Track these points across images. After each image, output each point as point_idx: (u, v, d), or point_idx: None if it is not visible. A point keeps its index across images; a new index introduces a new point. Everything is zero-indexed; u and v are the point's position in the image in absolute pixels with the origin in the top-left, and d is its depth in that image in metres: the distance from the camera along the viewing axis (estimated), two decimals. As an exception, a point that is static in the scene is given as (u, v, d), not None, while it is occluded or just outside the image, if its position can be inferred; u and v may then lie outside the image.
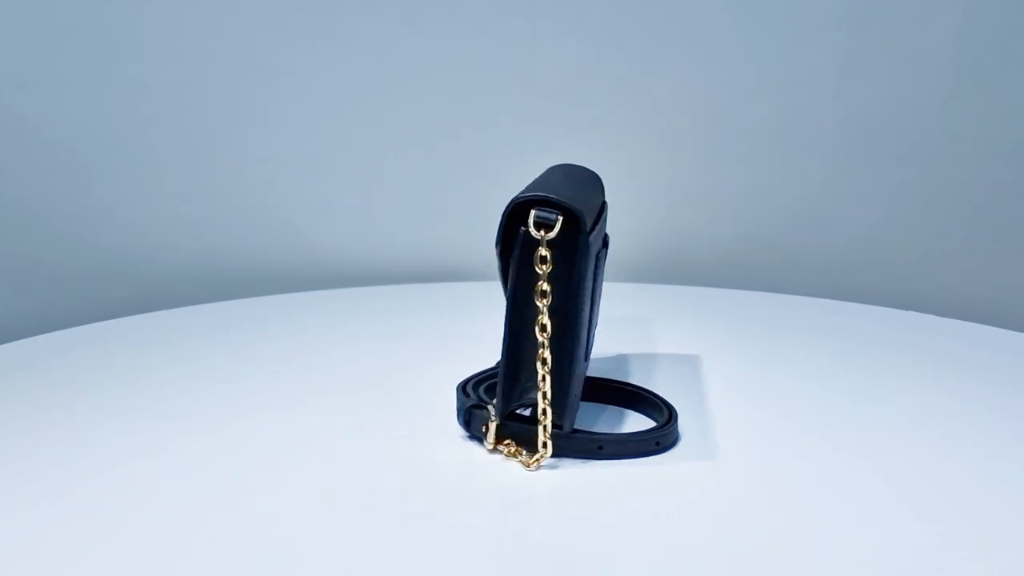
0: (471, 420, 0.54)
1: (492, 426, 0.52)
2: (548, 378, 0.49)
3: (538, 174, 0.60)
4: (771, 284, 1.07)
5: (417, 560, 0.41)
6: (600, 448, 0.52)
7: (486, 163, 1.06)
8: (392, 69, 1.04)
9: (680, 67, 1.05)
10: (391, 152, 1.07)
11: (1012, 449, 0.55)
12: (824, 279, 1.08)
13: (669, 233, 1.10)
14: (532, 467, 0.50)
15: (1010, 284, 1.08)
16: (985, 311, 1.01)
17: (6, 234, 1.02)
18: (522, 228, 0.49)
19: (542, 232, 0.48)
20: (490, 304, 0.72)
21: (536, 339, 0.49)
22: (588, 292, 0.50)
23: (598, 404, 0.61)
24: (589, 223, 0.50)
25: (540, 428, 0.50)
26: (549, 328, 0.49)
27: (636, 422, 0.58)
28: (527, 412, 0.54)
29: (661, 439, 0.53)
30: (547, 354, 0.49)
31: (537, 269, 0.48)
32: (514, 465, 0.51)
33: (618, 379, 0.63)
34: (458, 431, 0.56)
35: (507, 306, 0.50)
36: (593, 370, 0.64)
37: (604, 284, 0.61)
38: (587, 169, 0.64)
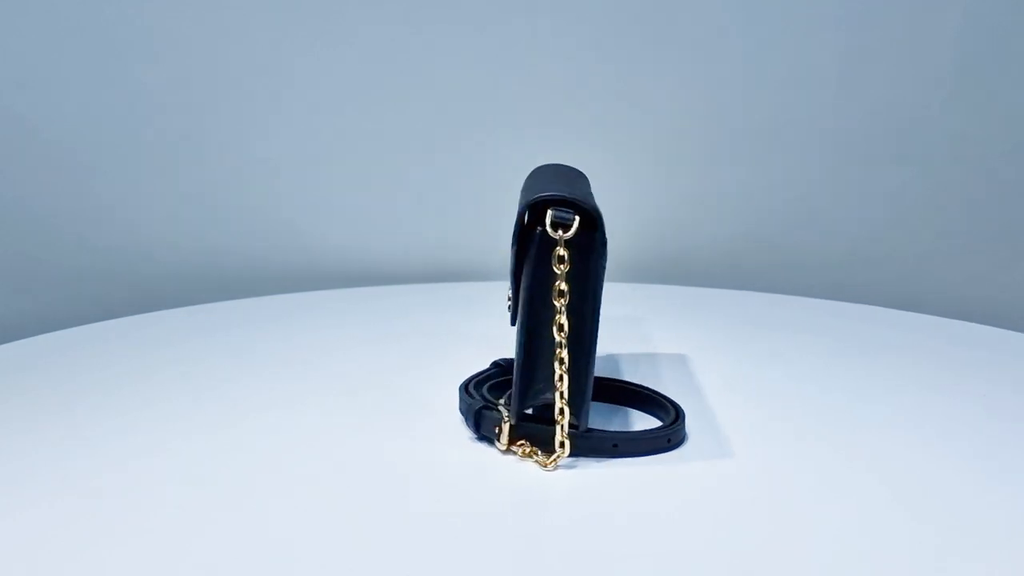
0: (481, 421, 0.54)
1: (506, 427, 0.52)
2: (566, 377, 0.49)
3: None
4: (770, 284, 1.07)
5: (447, 563, 0.41)
6: (615, 446, 0.52)
7: (486, 163, 1.07)
8: (392, 69, 1.04)
9: (680, 67, 1.05)
10: (391, 152, 1.07)
11: (1012, 450, 0.55)
12: (824, 279, 1.08)
13: (668, 233, 1.10)
14: (550, 467, 0.50)
15: (1010, 284, 1.08)
16: (985, 311, 1.01)
17: (6, 234, 1.02)
18: (538, 228, 0.49)
19: (560, 232, 0.48)
20: (490, 304, 0.72)
21: (552, 339, 0.49)
22: (602, 291, 0.51)
23: (600, 403, 0.61)
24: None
25: (558, 428, 0.50)
26: (567, 327, 0.49)
27: (641, 421, 0.59)
28: (529, 411, 0.54)
29: (672, 436, 0.54)
30: (565, 353, 0.49)
31: (555, 269, 0.48)
32: (529, 465, 0.51)
33: (619, 379, 0.63)
34: (463, 432, 0.56)
35: (522, 307, 0.50)
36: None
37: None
38: (574, 168, 0.64)
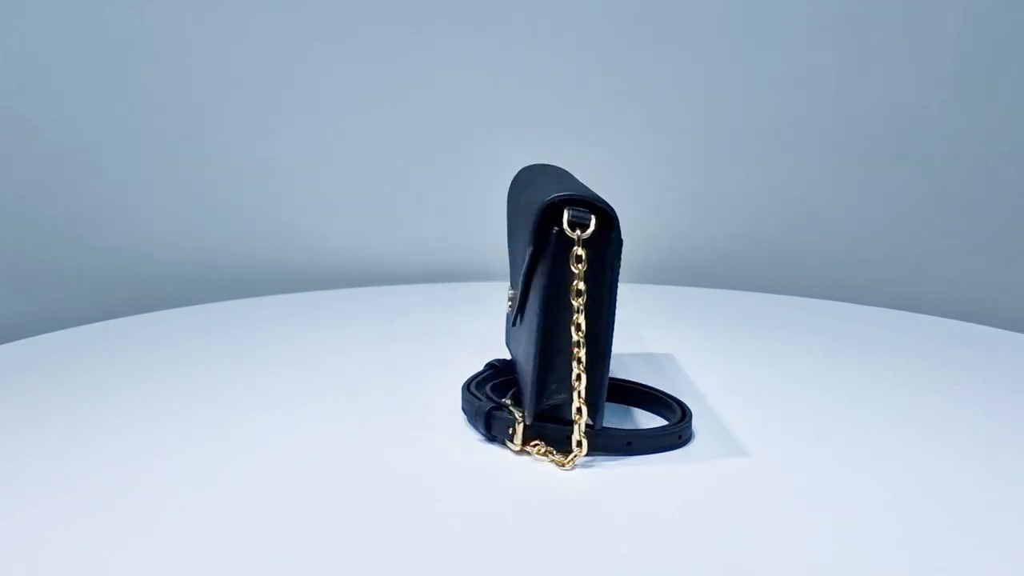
0: (491, 422, 0.53)
1: (520, 428, 0.52)
2: (584, 377, 0.49)
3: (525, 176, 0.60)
4: (770, 284, 1.07)
5: (481, 564, 0.41)
6: (629, 444, 0.52)
7: (486, 163, 1.06)
8: (392, 69, 1.04)
9: (680, 67, 1.05)
10: (391, 152, 1.07)
11: (1012, 450, 0.55)
12: (824, 279, 1.09)
13: (668, 233, 1.10)
14: (568, 466, 0.50)
15: (1010, 284, 1.08)
16: (985, 311, 1.01)
17: (6, 234, 1.02)
18: (555, 228, 0.49)
19: (577, 232, 0.48)
20: (490, 304, 0.72)
21: (567, 339, 0.49)
22: (617, 290, 0.51)
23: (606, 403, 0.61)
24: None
25: (575, 427, 0.50)
26: (584, 327, 0.49)
27: (646, 420, 0.59)
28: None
29: (682, 433, 0.54)
30: (582, 353, 0.49)
31: (573, 268, 0.49)
32: (545, 465, 0.51)
33: (624, 379, 0.63)
34: (467, 432, 0.56)
35: (538, 307, 0.50)
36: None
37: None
38: (558, 167, 0.65)
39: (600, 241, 0.49)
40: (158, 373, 0.70)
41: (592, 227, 0.48)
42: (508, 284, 0.67)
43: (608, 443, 0.52)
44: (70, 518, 0.45)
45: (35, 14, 0.97)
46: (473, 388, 0.59)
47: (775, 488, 0.49)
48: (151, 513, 0.45)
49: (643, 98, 1.06)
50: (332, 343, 0.79)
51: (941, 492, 0.48)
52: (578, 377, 0.49)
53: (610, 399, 0.61)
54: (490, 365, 0.63)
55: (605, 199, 0.50)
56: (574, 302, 0.49)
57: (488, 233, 0.89)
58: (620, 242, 0.49)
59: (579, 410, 0.50)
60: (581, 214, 0.48)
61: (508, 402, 0.54)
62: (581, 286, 0.49)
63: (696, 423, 0.57)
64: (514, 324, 0.58)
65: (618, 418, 0.59)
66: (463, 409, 0.58)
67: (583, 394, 0.50)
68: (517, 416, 0.52)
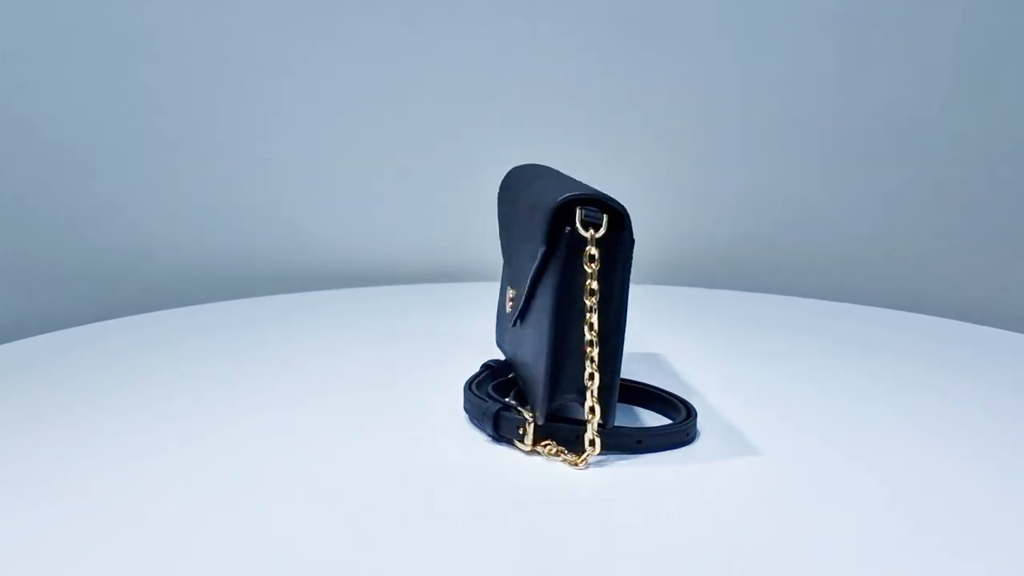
0: (500, 423, 0.53)
1: (530, 428, 0.52)
2: (597, 375, 0.49)
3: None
4: (770, 284, 1.07)
5: (509, 564, 0.41)
6: (639, 442, 0.53)
7: (486, 164, 1.06)
8: (392, 69, 1.04)
9: (680, 68, 1.05)
10: (391, 152, 1.07)
11: (1011, 450, 0.55)
12: (823, 279, 1.08)
13: (668, 233, 1.10)
14: (581, 465, 0.50)
15: (1010, 284, 1.08)
16: (985, 311, 1.01)
17: (6, 234, 1.02)
18: (567, 228, 0.49)
19: (591, 231, 0.48)
20: (489, 304, 0.72)
21: (579, 338, 0.50)
22: (629, 288, 0.51)
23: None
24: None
25: (589, 426, 0.50)
26: (597, 326, 0.49)
27: (650, 419, 0.59)
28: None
29: (689, 431, 0.55)
30: (596, 352, 0.49)
31: (586, 268, 0.49)
32: (556, 465, 0.51)
33: (628, 379, 0.63)
34: (471, 433, 0.56)
35: (551, 307, 0.50)
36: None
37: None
38: (551, 167, 0.65)
39: (612, 240, 0.49)
40: (158, 373, 0.70)
41: (605, 226, 0.48)
42: (500, 285, 0.67)
43: (619, 442, 0.52)
44: (70, 518, 0.45)
45: (35, 14, 0.97)
46: (474, 388, 0.59)
47: (776, 488, 0.49)
48: (151, 513, 0.45)
49: (643, 98, 1.06)
50: (332, 343, 0.79)
51: (941, 492, 0.48)
52: (591, 376, 0.49)
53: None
54: (486, 366, 0.63)
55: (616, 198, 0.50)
56: (587, 301, 0.49)
57: (488, 234, 0.89)
58: (632, 241, 0.50)
59: (592, 409, 0.50)
60: (594, 213, 0.49)
61: (512, 402, 0.54)
62: (594, 285, 0.49)
63: (698, 422, 0.57)
64: (514, 324, 0.58)
65: (621, 417, 0.59)
66: (466, 410, 0.58)
67: (595, 393, 0.50)
68: (527, 416, 0.52)
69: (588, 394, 0.50)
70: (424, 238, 1.10)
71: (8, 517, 0.45)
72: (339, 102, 1.04)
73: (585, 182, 0.57)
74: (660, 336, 0.82)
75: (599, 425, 0.50)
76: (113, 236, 1.04)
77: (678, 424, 0.55)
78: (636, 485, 0.49)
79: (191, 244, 1.06)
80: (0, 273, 1.02)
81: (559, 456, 0.51)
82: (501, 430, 0.53)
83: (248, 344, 0.79)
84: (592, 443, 0.50)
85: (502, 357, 0.63)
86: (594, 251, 0.48)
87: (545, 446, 0.52)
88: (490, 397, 0.57)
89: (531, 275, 0.51)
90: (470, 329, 0.82)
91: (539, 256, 0.50)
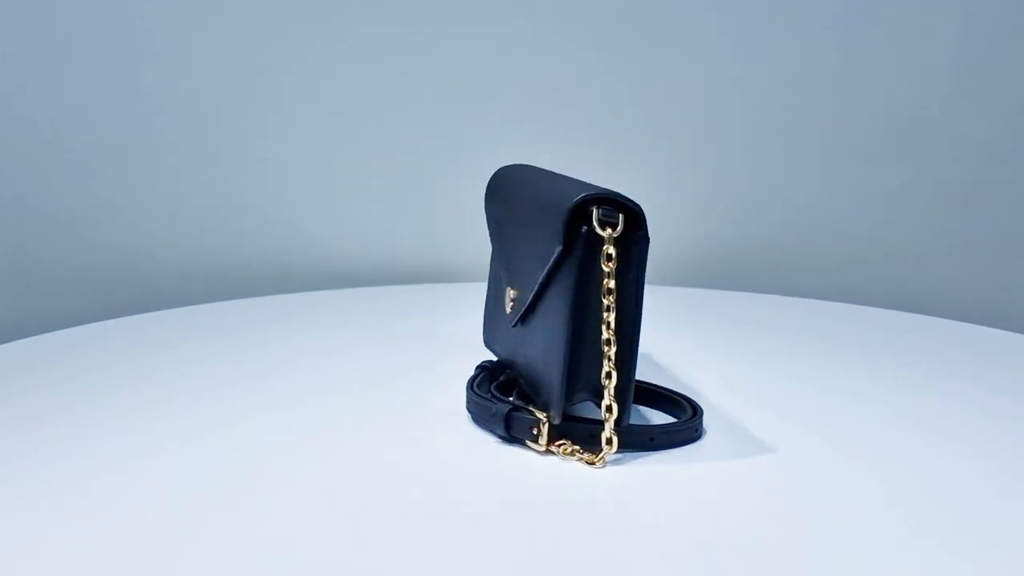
0: (512, 423, 0.53)
1: (545, 428, 0.52)
2: (614, 374, 0.50)
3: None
4: (770, 284, 1.07)
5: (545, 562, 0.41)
6: (651, 439, 0.53)
7: (486, 164, 1.06)
8: (392, 69, 1.04)
9: (680, 67, 1.05)
10: (391, 152, 1.07)
11: (1011, 450, 0.55)
12: (823, 279, 1.08)
13: (667, 233, 1.10)
14: (599, 464, 0.50)
15: (1010, 284, 1.08)
16: (985, 312, 1.01)
17: (6, 234, 1.02)
18: (584, 227, 0.49)
19: (608, 230, 0.49)
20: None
21: (596, 337, 0.50)
22: (644, 286, 0.51)
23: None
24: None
25: (607, 424, 0.50)
26: (613, 325, 0.49)
27: (655, 417, 0.59)
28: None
29: (697, 427, 0.56)
30: (612, 351, 0.50)
31: (604, 267, 0.49)
32: (570, 464, 0.51)
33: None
34: (469, 432, 0.56)
35: (568, 307, 0.50)
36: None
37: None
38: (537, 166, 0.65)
39: (628, 239, 0.49)
40: (158, 373, 0.70)
41: (621, 225, 0.49)
42: (488, 285, 0.67)
43: (632, 439, 0.52)
44: (70, 518, 0.45)
45: (35, 14, 0.97)
46: (475, 387, 0.59)
47: (777, 488, 0.49)
48: (151, 513, 0.45)
49: (643, 98, 1.06)
50: (332, 343, 0.79)
51: (941, 492, 0.48)
52: (608, 375, 0.50)
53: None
54: (481, 367, 0.62)
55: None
56: (605, 300, 0.49)
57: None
58: (647, 240, 0.50)
59: (609, 408, 0.50)
60: (610, 212, 0.49)
61: (518, 402, 0.55)
62: (612, 284, 0.49)
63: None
64: (515, 325, 0.58)
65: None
66: (470, 411, 0.58)
67: (612, 391, 0.50)
68: (541, 416, 0.52)
69: (606, 393, 0.50)
70: (425, 238, 1.10)
71: (8, 517, 0.45)
72: (339, 102, 1.04)
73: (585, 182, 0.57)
74: (660, 336, 0.82)
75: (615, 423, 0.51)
76: (113, 236, 1.04)
77: (687, 421, 0.56)
78: (653, 483, 0.49)
79: (191, 244, 1.06)
80: (0, 273, 1.03)
81: (574, 455, 0.51)
82: (513, 431, 0.53)
83: (248, 344, 0.79)
84: (609, 441, 0.50)
85: (494, 358, 0.63)
86: (611, 250, 0.49)
87: (560, 445, 0.52)
88: (495, 398, 0.57)
89: (543, 275, 0.52)
90: (470, 329, 0.81)
91: (554, 256, 0.50)
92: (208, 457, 0.53)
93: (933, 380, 0.69)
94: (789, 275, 1.09)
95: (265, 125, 1.04)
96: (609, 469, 0.50)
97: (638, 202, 0.50)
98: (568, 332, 0.50)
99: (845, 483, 0.49)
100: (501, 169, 0.68)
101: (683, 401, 0.59)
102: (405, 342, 0.79)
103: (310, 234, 1.08)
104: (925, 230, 1.08)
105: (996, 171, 1.06)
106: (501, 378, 0.61)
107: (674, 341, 0.79)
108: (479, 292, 1.00)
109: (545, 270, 0.51)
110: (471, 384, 0.59)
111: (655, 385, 0.61)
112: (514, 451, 0.53)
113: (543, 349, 0.53)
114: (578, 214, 0.49)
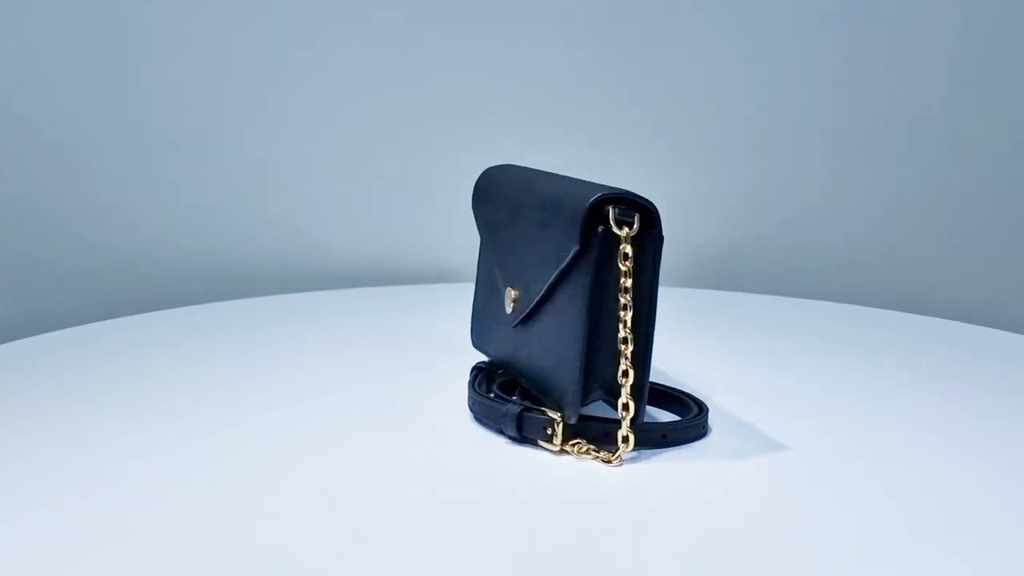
0: (524, 423, 0.53)
1: (559, 428, 0.52)
2: (631, 372, 0.50)
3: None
4: (770, 284, 1.07)
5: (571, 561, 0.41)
6: (664, 436, 0.54)
7: (487, 164, 1.06)
8: (395, 69, 1.04)
9: (680, 67, 1.05)
10: (391, 152, 1.07)
11: (1011, 450, 0.55)
12: (824, 279, 1.08)
13: (667, 233, 1.10)
14: (615, 463, 0.51)
15: (1010, 284, 1.08)
16: (985, 312, 1.01)
17: (6, 234, 1.02)
18: (600, 227, 0.49)
19: (624, 229, 0.49)
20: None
21: (611, 336, 0.50)
22: (658, 286, 0.51)
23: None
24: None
25: (623, 423, 0.50)
26: (630, 324, 0.50)
27: (658, 414, 0.60)
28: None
29: (704, 424, 0.56)
30: (629, 350, 0.50)
31: (621, 266, 0.49)
32: (585, 463, 0.51)
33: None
34: (470, 432, 0.56)
35: (586, 306, 0.50)
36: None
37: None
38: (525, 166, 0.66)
39: (643, 238, 0.50)
40: (158, 373, 0.70)
41: (637, 224, 0.49)
42: (476, 287, 0.67)
43: (646, 437, 0.53)
44: (70, 518, 0.45)
45: (35, 14, 0.97)
46: (477, 387, 0.58)
47: (787, 486, 0.49)
48: (151, 513, 0.45)
49: (643, 98, 1.06)
50: (332, 343, 0.79)
51: (941, 492, 0.48)
52: (624, 373, 0.50)
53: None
54: (477, 368, 0.62)
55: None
56: (622, 299, 0.50)
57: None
58: (661, 238, 0.51)
59: (626, 406, 0.50)
60: (626, 211, 0.49)
61: (514, 398, 0.54)
62: (628, 283, 0.49)
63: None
64: (515, 325, 0.58)
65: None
66: (474, 411, 0.58)
67: (630, 390, 0.50)
68: (555, 416, 0.52)
69: (623, 391, 0.50)
70: (425, 238, 1.10)
71: (8, 517, 0.45)
72: (339, 102, 1.04)
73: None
74: (660, 336, 0.81)
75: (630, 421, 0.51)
76: (113, 236, 1.04)
77: (695, 418, 0.56)
78: (668, 480, 0.49)
79: (191, 244, 1.06)
80: (0, 273, 1.02)
81: (589, 454, 0.51)
82: (525, 431, 0.53)
83: (248, 344, 0.79)
84: (626, 439, 0.50)
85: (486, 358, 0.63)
86: (628, 249, 0.49)
87: (574, 445, 0.52)
88: (500, 398, 0.56)
89: (554, 275, 0.52)
90: (467, 329, 0.82)
91: (569, 255, 0.50)
92: (208, 457, 0.53)
93: (933, 380, 0.69)
94: (789, 275, 1.09)
95: (265, 125, 1.04)
96: (624, 467, 0.51)
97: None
98: (585, 331, 0.50)
99: (845, 483, 0.49)
100: (489, 170, 0.69)
101: (687, 399, 0.59)
102: (405, 342, 0.79)
103: (310, 234, 1.08)
104: (925, 230, 1.08)
105: (996, 171, 1.06)
106: (501, 378, 0.61)
107: (675, 342, 0.79)
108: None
109: (558, 270, 0.51)
110: (473, 384, 0.59)
111: (659, 384, 0.61)
112: (523, 451, 0.53)
113: (552, 349, 0.53)
114: (594, 214, 0.50)
